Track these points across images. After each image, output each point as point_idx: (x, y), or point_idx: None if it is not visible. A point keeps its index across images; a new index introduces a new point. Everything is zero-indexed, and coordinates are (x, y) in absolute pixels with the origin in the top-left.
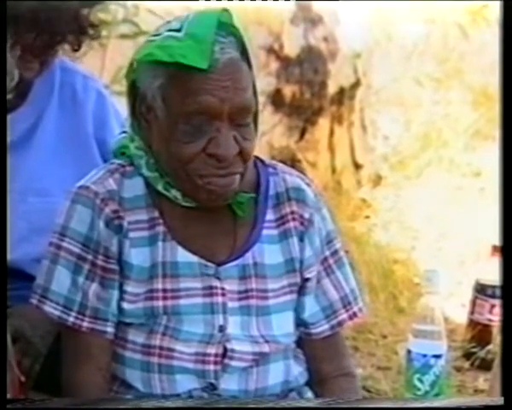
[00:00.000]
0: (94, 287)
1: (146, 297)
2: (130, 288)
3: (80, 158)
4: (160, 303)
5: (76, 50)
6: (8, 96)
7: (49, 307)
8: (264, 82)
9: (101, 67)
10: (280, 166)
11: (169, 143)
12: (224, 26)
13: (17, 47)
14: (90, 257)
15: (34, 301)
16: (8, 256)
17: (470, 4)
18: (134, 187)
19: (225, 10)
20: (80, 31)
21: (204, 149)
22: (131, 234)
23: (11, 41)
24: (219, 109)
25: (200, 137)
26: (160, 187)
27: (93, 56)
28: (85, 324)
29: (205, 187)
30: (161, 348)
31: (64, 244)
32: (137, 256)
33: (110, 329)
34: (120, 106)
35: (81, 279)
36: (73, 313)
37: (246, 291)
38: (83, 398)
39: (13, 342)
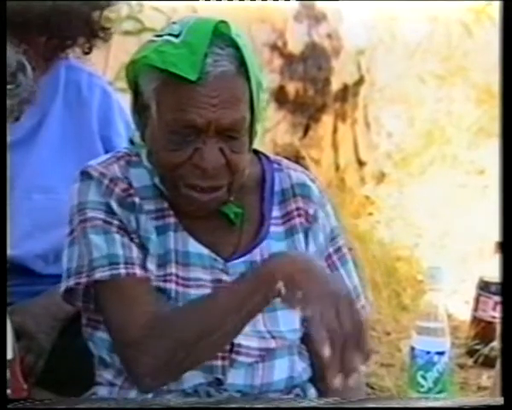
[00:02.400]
0: (128, 241)
1: (159, 280)
2: (149, 264)
3: (84, 156)
4: (173, 286)
5: (87, 53)
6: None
7: (98, 274)
8: (268, 79)
9: (105, 64)
10: (285, 162)
11: (158, 147)
12: (222, 37)
13: (29, 52)
14: (116, 222)
15: (83, 280)
16: (12, 252)
17: (474, 2)
18: (140, 177)
19: (223, 21)
20: (92, 34)
21: (190, 158)
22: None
23: (24, 46)
24: (206, 127)
25: (186, 146)
26: (156, 180)
27: (97, 54)
28: (138, 270)
29: (187, 197)
30: None
31: (88, 216)
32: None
33: (153, 276)
34: (125, 103)
35: (116, 236)
36: (122, 265)
37: None
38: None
39: (16, 339)
